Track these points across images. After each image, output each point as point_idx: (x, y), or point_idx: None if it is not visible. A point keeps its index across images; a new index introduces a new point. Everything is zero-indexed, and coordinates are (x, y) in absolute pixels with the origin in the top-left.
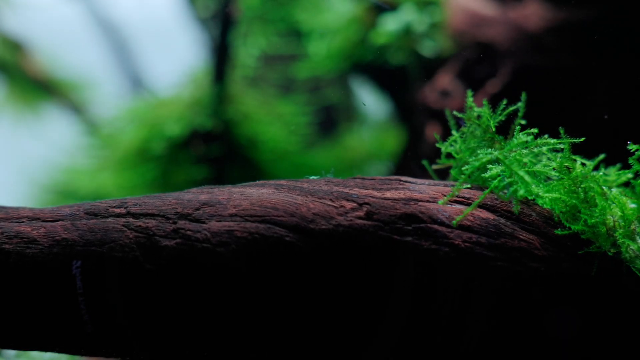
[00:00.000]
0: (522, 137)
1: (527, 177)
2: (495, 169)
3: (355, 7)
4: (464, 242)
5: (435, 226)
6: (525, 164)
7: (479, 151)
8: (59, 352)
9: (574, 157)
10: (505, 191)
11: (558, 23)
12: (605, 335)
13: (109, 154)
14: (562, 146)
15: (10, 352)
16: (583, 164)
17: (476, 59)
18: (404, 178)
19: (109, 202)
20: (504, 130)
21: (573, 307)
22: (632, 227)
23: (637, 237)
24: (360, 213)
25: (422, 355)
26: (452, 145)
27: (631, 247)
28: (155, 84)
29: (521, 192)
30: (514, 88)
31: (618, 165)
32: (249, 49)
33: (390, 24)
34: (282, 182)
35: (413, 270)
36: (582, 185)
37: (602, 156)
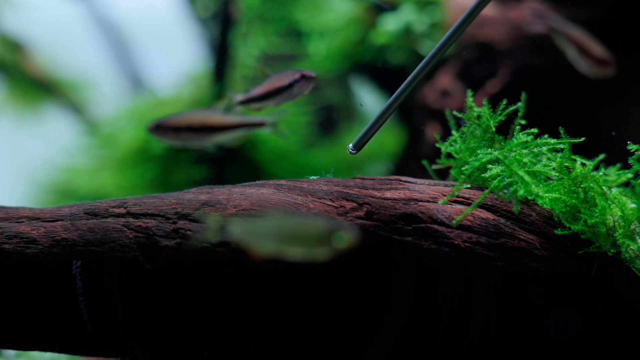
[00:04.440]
0: (522, 137)
1: (527, 177)
2: (495, 169)
3: (355, 7)
4: (464, 242)
5: (435, 226)
6: (525, 164)
7: (479, 151)
8: (59, 352)
9: (574, 157)
10: (505, 191)
11: None
12: (605, 335)
13: (109, 154)
14: (562, 146)
15: (10, 352)
16: (583, 164)
17: (476, 59)
18: (404, 178)
19: (109, 202)
20: (504, 130)
21: (573, 307)
22: (632, 227)
23: (637, 237)
24: (360, 213)
25: (423, 354)
26: (452, 145)
27: (631, 247)
28: (155, 84)
29: (521, 192)
30: (514, 88)
31: (618, 165)
32: (249, 49)
33: (390, 24)
34: (282, 182)
35: (413, 270)
36: (582, 185)
37: (602, 156)
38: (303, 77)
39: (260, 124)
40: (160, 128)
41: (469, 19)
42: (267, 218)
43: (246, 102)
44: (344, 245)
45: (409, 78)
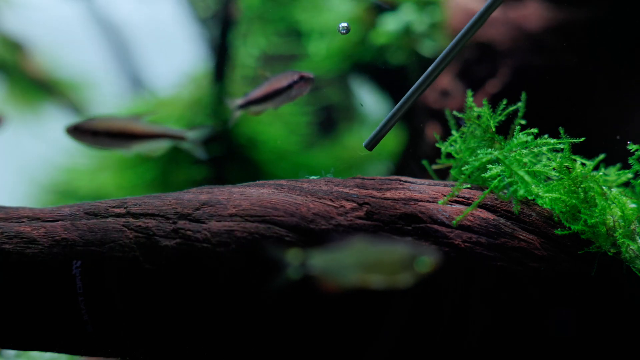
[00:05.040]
0: (522, 137)
1: (527, 177)
2: (495, 169)
3: (355, 7)
4: (464, 242)
5: (435, 226)
6: (525, 164)
7: (479, 151)
8: (59, 352)
9: (574, 157)
10: (505, 191)
11: (558, 23)
12: (604, 335)
13: (109, 154)
14: (562, 146)
15: (10, 352)
16: (583, 164)
17: (476, 59)
18: (404, 178)
19: (109, 202)
20: (504, 130)
21: (573, 307)
22: (632, 227)
23: (637, 237)
24: (360, 213)
25: (423, 354)
26: (452, 145)
27: (631, 247)
28: (155, 84)
29: (521, 192)
30: (514, 88)
31: (618, 165)
32: (249, 49)
33: (390, 24)
34: (282, 182)
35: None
36: (582, 185)
37: (602, 156)
38: (302, 78)
39: (181, 137)
40: (78, 130)
41: (490, 8)
42: (348, 248)
43: (245, 105)
44: (427, 269)
45: (422, 77)
